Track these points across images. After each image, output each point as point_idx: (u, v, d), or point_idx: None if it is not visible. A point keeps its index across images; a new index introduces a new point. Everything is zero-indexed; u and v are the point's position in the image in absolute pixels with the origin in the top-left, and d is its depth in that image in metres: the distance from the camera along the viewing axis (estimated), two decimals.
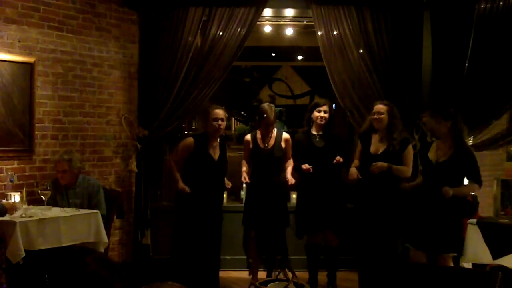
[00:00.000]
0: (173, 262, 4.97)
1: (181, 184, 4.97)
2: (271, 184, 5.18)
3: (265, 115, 5.14)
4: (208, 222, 4.98)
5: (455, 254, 4.57)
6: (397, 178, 4.86)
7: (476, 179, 4.44)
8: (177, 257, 4.97)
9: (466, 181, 4.57)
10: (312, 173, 5.10)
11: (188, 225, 4.95)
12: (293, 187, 6.17)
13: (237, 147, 6.54)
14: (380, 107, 4.94)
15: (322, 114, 5.19)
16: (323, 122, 5.20)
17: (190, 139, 5.04)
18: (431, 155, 4.54)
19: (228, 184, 5.17)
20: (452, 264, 4.53)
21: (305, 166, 5.08)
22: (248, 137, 5.33)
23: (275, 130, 5.27)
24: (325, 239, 5.26)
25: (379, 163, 4.82)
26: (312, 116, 5.23)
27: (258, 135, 5.26)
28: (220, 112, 4.97)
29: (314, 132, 5.26)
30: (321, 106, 5.22)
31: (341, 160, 5.07)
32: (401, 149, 4.87)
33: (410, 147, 4.92)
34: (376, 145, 4.97)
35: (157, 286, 1.17)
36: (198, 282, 4.91)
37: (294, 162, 5.24)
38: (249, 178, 5.20)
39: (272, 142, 5.23)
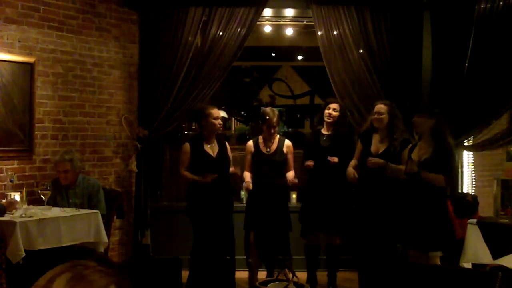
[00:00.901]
0: (193, 263, 4.96)
1: (204, 178, 4.91)
2: (272, 188, 5.18)
3: (267, 117, 5.14)
4: (220, 221, 4.98)
5: (440, 253, 4.54)
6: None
7: (445, 172, 4.47)
8: (199, 259, 4.96)
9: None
10: (317, 172, 5.13)
11: (204, 225, 4.95)
12: (293, 187, 6.17)
13: (237, 147, 6.53)
14: (380, 107, 4.94)
15: (330, 111, 5.19)
16: (330, 120, 5.20)
17: (186, 144, 5.07)
18: (414, 155, 4.57)
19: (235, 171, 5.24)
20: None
21: (308, 163, 5.11)
22: (250, 142, 5.34)
23: (277, 136, 5.28)
24: (328, 238, 5.27)
25: (375, 159, 4.82)
26: (323, 114, 5.25)
27: (260, 140, 5.27)
28: (218, 111, 5.07)
29: (324, 132, 5.27)
30: (330, 103, 5.24)
31: (336, 160, 5.06)
32: (401, 150, 4.86)
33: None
34: (377, 145, 4.97)
35: (79, 268, 1.16)
36: (214, 283, 4.94)
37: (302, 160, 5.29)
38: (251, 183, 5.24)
39: (274, 146, 5.23)
